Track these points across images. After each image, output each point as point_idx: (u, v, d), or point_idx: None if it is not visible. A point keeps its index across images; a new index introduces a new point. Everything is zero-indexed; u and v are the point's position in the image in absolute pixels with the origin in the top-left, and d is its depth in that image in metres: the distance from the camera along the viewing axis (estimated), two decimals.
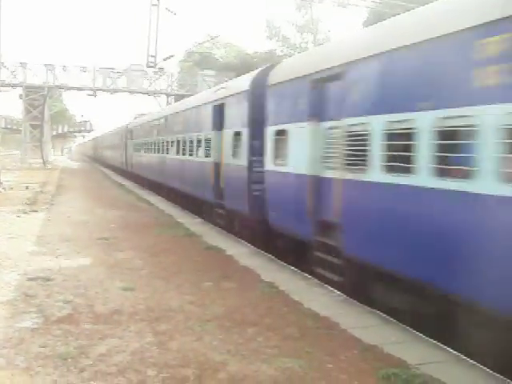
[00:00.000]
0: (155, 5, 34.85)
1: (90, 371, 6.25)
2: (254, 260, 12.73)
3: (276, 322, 8.13)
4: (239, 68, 52.98)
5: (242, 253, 13.60)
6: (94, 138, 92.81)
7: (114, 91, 59.90)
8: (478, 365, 6.88)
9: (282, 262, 12.51)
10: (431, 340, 7.73)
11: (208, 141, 18.65)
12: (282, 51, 67.99)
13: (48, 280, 10.13)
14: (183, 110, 23.96)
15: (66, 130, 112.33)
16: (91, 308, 8.60)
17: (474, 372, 6.71)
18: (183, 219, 19.90)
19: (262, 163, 13.73)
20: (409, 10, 10.03)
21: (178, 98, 52.87)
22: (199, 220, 19.92)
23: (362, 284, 9.67)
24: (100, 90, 58.90)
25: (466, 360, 7.05)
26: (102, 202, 24.22)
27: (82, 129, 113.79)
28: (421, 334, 7.94)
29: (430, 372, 6.51)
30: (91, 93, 58.71)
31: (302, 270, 11.63)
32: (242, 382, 6.11)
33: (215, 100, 18.16)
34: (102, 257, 12.46)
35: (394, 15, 10.10)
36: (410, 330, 8.14)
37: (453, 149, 7.30)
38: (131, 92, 60.34)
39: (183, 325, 7.92)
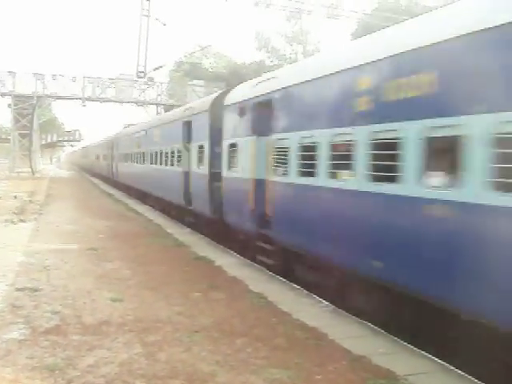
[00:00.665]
0: (145, 15, 34.94)
1: (78, 383, 6.21)
2: (242, 271, 12.73)
3: (265, 333, 8.13)
4: (229, 78, 53.15)
5: (230, 263, 13.61)
6: (82, 148, 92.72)
7: (104, 101, 59.83)
8: (466, 375, 6.92)
9: (270, 273, 12.52)
10: (419, 351, 7.77)
11: (179, 152, 21.34)
12: (271, 62, 68.27)
13: (36, 290, 10.06)
14: (159, 125, 26.97)
15: (54, 139, 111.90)
16: (79, 319, 8.55)
17: (461, 381, 6.76)
18: (172, 229, 19.88)
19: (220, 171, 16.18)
20: (397, 22, 10.43)
21: (168, 108, 52.87)
22: (188, 230, 19.90)
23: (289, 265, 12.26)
24: (89, 99, 58.79)
25: (454, 370, 7.10)
26: (91, 212, 24.15)
27: (71, 138, 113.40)
28: (409, 345, 7.98)
29: (418, 382, 6.58)
30: (81, 102, 58.63)
31: (251, 259, 14.03)
32: None
33: (184, 117, 21.07)
34: (90, 267, 12.40)
35: (383, 27, 10.42)
36: (399, 340, 8.18)
37: (339, 157, 9.59)
38: (120, 102, 60.29)
39: (172, 336, 7.90)
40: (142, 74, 37.63)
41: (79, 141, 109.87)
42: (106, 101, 60.04)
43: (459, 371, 7.03)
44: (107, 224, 20.29)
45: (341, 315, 9.37)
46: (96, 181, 54.95)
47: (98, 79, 59.27)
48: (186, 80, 64.02)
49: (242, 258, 14.44)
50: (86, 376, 6.39)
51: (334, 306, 9.78)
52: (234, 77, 49.62)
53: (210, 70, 68.64)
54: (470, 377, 6.87)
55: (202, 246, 16.07)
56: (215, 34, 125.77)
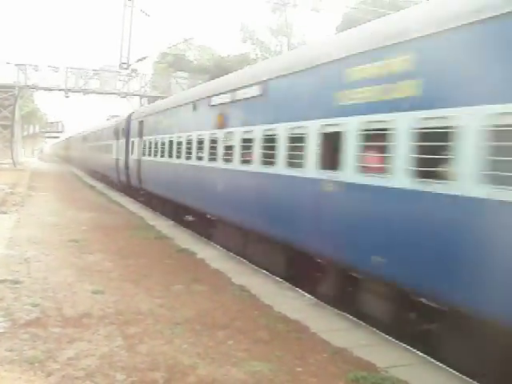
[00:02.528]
0: (129, 6, 34.67)
1: (58, 375, 6.16)
2: (225, 263, 12.73)
3: (246, 326, 8.14)
4: (213, 70, 52.94)
5: (213, 256, 13.60)
6: (65, 139, 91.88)
7: (87, 92, 59.29)
8: (445, 367, 6.98)
9: (254, 266, 12.52)
10: (400, 343, 7.83)
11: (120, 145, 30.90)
12: (256, 54, 68.12)
13: (16, 283, 9.95)
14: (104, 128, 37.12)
15: (37, 130, 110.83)
16: (60, 311, 8.48)
17: (440, 374, 6.82)
18: (155, 221, 19.81)
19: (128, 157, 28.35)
20: (379, 17, 10.43)
21: (152, 99, 52.56)
22: (171, 222, 19.85)
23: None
24: (72, 90, 58.23)
25: (433, 362, 7.16)
26: (73, 204, 23.96)
27: (54, 130, 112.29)
28: (390, 337, 8.03)
29: (398, 375, 6.60)
30: (63, 93, 58.05)
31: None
32: None
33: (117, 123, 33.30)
34: (71, 259, 12.32)
35: (368, 20, 10.37)
36: (380, 333, 8.24)
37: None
38: (104, 93, 59.80)
39: (153, 328, 7.88)
40: (126, 66, 37.33)
41: (61, 132, 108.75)
42: (89, 92, 59.45)
43: (438, 363, 7.09)
44: (89, 216, 20.15)
45: (323, 308, 9.41)
46: (79, 173, 54.54)
47: (81, 70, 58.71)
48: (169, 72, 63.61)
49: (225, 250, 14.43)
50: (66, 369, 6.34)
51: (316, 299, 9.81)
52: (218, 69, 49.43)
53: (195, 62, 68.32)
54: (448, 369, 6.93)
55: (184, 239, 16.04)
56: (200, 25, 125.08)
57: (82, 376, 6.16)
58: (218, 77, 18.06)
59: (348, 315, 9.04)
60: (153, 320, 8.23)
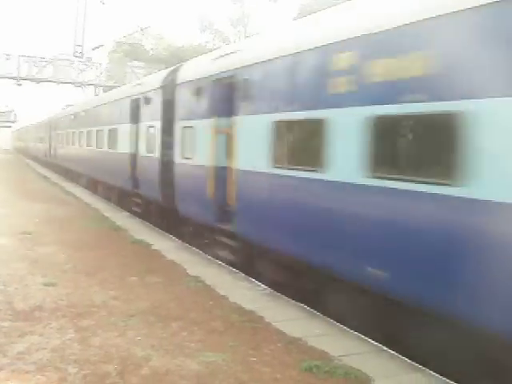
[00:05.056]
0: None
1: (7, 370, 6.03)
2: (180, 254, 12.68)
3: (201, 317, 8.13)
4: (169, 60, 52.45)
5: (168, 247, 13.53)
6: (18, 130, 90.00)
7: (40, 80, 58.01)
8: (398, 355, 7.09)
9: (208, 257, 12.51)
10: (354, 332, 7.92)
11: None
12: (214, 44, 67.72)
13: None
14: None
15: None
16: (10, 305, 8.32)
17: (394, 362, 6.92)
18: (110, 213, 19.59)
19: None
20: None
21: (107, 89, 51.79)
22: (126, 214, 19.65)
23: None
24: (25, 79, 56.88)
25: (387, 351, 7.27)
26: (26, 195, 23.47)
27: (5, 119, 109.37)
28: (344, 327, 8.13)
29: (352, 363, 6.67)
30: (15, 81, 56.65)
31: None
32: (165, 377, 6.07)
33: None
34: (23, 252, 12.08)
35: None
36: (335, 322, 8.32)
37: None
38: (58, 82, 58.61)
39: (106, 320, 7.80)
40: (80, 54, 36.65)
41: (14, 122, 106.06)
42: (43, 80, 58.20)
43: (391, 351, 7.21)
44: (43, 207, 19.79)
45: (278, 298, 9.45)
46: (32, 163, 53.48)
47: (35, 58, 57.39)
48: (125, 61, 62.74)
49: (180, 241, 14.38)
50: (17, 363, 6.22)
51: (271, 290, 9.85)
52: (175, 59, 49.01)
53: (151, 52, 67.58)
54: (401, 357, 7.05)
55: (139, 230, 15.92)
56: (156, 14, 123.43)
57: (33, 370, 6.06)
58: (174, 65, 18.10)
59: (303, 305, 9.11)
60: (106, 312, 8.15)
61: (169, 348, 6.87)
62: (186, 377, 6.07)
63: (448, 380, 6.34)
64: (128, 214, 19.59)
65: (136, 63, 60.34)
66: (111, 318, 7.88)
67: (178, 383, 5.94)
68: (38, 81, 58.05)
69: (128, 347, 6.83)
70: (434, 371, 6.57)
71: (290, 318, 8.40)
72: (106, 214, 19.17)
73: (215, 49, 57.38)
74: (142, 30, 60.63)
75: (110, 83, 56.22)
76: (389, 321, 7.62)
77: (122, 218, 18.42)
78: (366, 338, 7.71)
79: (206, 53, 16.46)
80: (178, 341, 7.15)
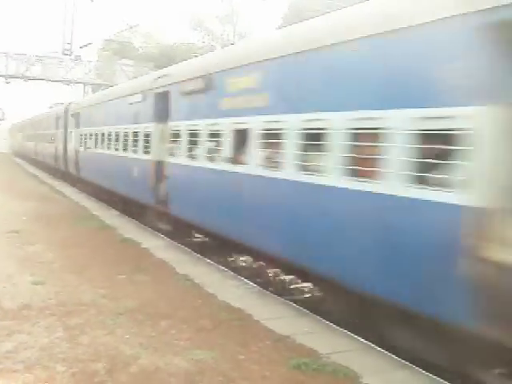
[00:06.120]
0: None
1: None
2: (169, 253, 12.68)
3: (190, 315, 8.14)
4: (158, 59, 52.34)
5: (157, 245, 13.53)
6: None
7: (28, 78, 57.66)
8: (386, 353, 7.14)
9: (197, 255, 12.52)
10: (342, 330, 7.97)
11: None
12: (203, 42, 67.60)
13: None
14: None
15: None
16: None
17: (382, 360, 6.97)
18: (98, 211, 19.54)
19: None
20: (326, 5, 10.52)
21: (95, 87, 51.61)
22: (115, 212, 19.60)
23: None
24: (13, 77, 56.54)
25: (374, 348, 7.32)
26: (14, 194, 23.29)
27: None
28: (332, 324, 8.17)
29: (340, 361, 6.72)
30: (4, 79, 56.27)
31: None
32: (154, 375, 6.08)
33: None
34: (11, 250, 12.03)
35: (314, 10, 10.38)
36: (323, 320, 8.36)
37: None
38: (46, 80, 58.27)
39: (95, 319, 7.79)
40: (69, 52, 36.47)
41: (2, 120, 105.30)
42: (31, 78, 57.87)
43: (379, 349, 7.25)
44: (31, 206, 19.68)
45: (266, 296, 9.49)
46: (20, 161, 53.14)
47: (23, 56, 57.03)
48: (114, 59, 62.51)
49: (169, 240, 14.37)
50: (4, 362, 6.21)
51: (259, 288, 9.89)
52: (164, 57, 48.93)
53: (140, 50, 67.37)
54: (389, 354, 7.10)
55: (128, 229, 15.88)
56: (146, 12, 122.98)
57: (21, 369, 6.05)
58: (163, 65, 18.24)
59: (292, 303, 9.15)
60: (95, 311, 8.15)
61: (157, 346, 6.88)
62: (175, 375, 6.10)
63: (435, 377, 6.40)
64: (117, 212, 19.54)
65: (125, 61, 60.10)
66: (100, 317, 7.88)
67: (167, 381, 5.96)
68: (27, 79, 57.71)
69: (117, 345, 6.83)
70: (422, 369, 6.63)
71: (279, 316, 8.44)
72: (95, 213, 19.11)
73: (205, 47, 57.31)
74: (131, 27, 60.40)
75: (99, 81, 56.01)
76: None
77: (110, 217, 18.37)
78: (355, 336, 7.77)
79: (196, 51, 16.78)
80: (167, 339, 7.16)
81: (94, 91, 46.72)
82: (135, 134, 17.33)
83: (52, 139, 35.69)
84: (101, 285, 9.54)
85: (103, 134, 22.07)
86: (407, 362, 6.86)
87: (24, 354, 6.44)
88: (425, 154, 6.38)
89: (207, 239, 14.29)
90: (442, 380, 6.35)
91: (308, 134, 8.58)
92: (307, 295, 9.89)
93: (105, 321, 7.71)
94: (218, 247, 13.01)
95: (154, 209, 15.74)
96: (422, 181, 6.41)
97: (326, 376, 6.31)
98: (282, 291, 10.48)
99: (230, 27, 69.33)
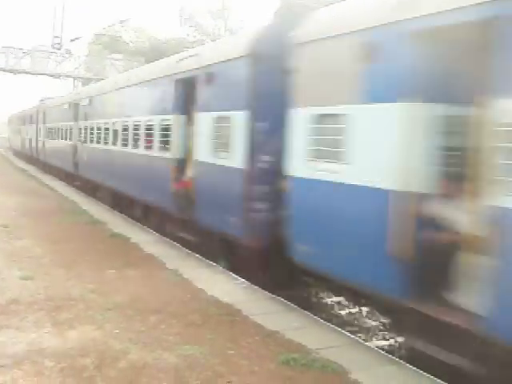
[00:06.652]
0: None
1: None
2: (159, 248, 12.66)
3: (179, 310, 8.14)
4: (149, 53, 52.16)
5: (147, 240, 13.50)
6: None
7: (17, 72, 57.25)
8: (374, 348, 7.19)
9: (187, 250, 12.50)
10: (331, 325, 8.00)
11: None
12: (194, 36, 67.36)
13: None
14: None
15: None
16: None
17: (370, 355, 7.00)
18: (87, 206, 19.47)
19: None
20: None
21: (86, 81, 51.34)
22: (104, 207, 19.54)
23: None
24: (2, 70, 56.13)
25: (363, 344, 7.36)
26: (2, 188, 23.21)
27: None
28: (321, 320, 8.20)
29: (329, 356, 6.74)
30: None
31: None
32: (143, 370, 6.07)
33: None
34: None
35: (304, 6, 10.21)
36: (311, 315, 8.39)
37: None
38: (36, 73, 57.88)
39: (84, 313, 7.78)
40: (58, 46, 36.27)
41: None
42: (20, 72, 57.47)
43: (368, 344, 7.30)
44: (20, 200, 19.58)
45: (255, 292, 9.49)
46: (6, 154, 52.79)
47: (12, 49, 56.62)
48: (105, 53, 62.23)
49: (158, 234, 14.34)
50: None
51: (248, 283, 9.89)
52: (155, 52, 48.75)
53: (131, 45, 67.07)
54: (377, 349, 7.14)
55: (117, 223, 15.85)
56: (136, 6, 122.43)
57: (9, 364, 6.02)
58: (154, 60, 18.01)
59: (281, 298, 9.16)
60: (84, 305, 8.12)
61: (147, 341, 6.87)
62: (164, 370, 6.09)
63: (422, 372, 6.43)
64: (107, 207, 19.48)
65: (115, 56, 59.84)
66: (89, 312, 7.86)
67: (156, 376, 5.95)
68: (16, 72, 57.30)
69: (106, 340, 6.82)
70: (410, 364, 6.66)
71: (268, 312, 8.45)
72: (84, 207, 19.05)
73: (196, 42, 57.21)
74: (121, 22, 60.17)
75: (89, 75, 55.73)
76: None
77: (100, 211, 18.31)
78: (343, 331, 7.81)
79: (187, 46, 16.58)
80: (156, 334, 7.16)
81: (83, 85, 46.44)
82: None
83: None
84: (90, 280, 9.51)
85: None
86: (394, 357, 6.91)
87: (12, 349, 6.41)
88: None
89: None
90: (427, 374, 6.38)
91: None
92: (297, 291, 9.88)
93: (94, 316, 7.69)
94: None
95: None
96: None
97: (314, 371, 6.31)
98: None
99: (222, 22, 69.16)
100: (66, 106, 27.22)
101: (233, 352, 6.72)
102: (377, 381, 6.18)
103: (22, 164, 42.29)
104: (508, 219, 5.23)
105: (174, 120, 13.13)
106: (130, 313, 7.91)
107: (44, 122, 34.79)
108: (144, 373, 6.02)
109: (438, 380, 6.22)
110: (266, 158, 9.83)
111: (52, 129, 31.48)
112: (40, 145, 36.06)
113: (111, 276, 9.88)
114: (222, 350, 6.72)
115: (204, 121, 11.54)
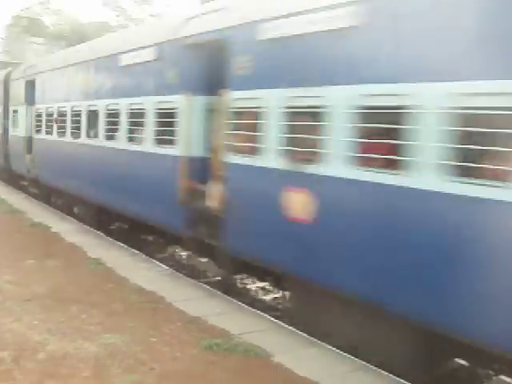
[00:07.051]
0: None
1: None
2: (81, 237, 12.45)
3: (101, 299, 8.06)
4: (70, 37, 50.77)
5: (68, 229, 13.25)
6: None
7: None
8: (297, 331, 7.31)
9: (110, 239, 12.35)
10: (254, 310, 8.10)
11: None
12: (117, 21, 65.96)
13: None
14: None
15: None
16: None
17: (292, 338, 7.15)
18: (6, 195, 18.86)
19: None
20: None
21: (3, 65, 49.50)
22: (24, 196, 18.98)
23: None
24: None
25: (285, 327, 7.48)
26: None
27: None
28: (244, 305, 8.29)
29: (251, 340, 6.83)
30: None
31: None
32: (63, 361, 5.98)
33: None
34: None
35: None
36: (235, 301, 8.46)
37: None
38: None
39: (1, 306, 7.56)
40: None
41: None
42: None
43: (290, 328, 7.42)
44: None
45: (178, 278, 9.51)
46: None
47: None
48: (24, 37, 60.08)
49: (80, 223, 14.08)
50: None
51: (171, 270, 9.88)
52: (77, 35, 47.49)
53: (52, 28, 65.01)
54: (300, 332, 7.27)
55: (38, 213, 15.44)
56: None
57: None
58: (76, 44, 17.31)
59: (203, 285, 9.20)
60: (1, 297, 7.90)
61: (67, 331, 6.78)
62: (84, 359, 6.02)
63: (343, 352, 6.62)
64: (26, 195, 18.92)
65: (36, 39, 57.92)
66: (6, 303, 7.66)
67: (76, 366, 5.88)
68: None
69: (24, 332, 6.67)
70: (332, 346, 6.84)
71: (191, 298, 8.49)
72: (3, 196, 18.44)
73: (119, 26, 56.01)
74: (41, 3, 58.18)
75: (7, 59, 53.71)
76: None
77: (19, 200, 17.77)
78: (265, 315, 7.92)
79: (109, 30, 16.03)
80: (77, 324, 7.06)
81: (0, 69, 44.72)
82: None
83: None
84: (7, 270, 9.27)
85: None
86: (316, 339, 7.07)
87: None
88: None
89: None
90: (348, 355, 6.58)
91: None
92: (218, 278, 9.93)
93: (11, 307, 7.50)
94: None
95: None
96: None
97: (237, 356, 6.39)
98: (193, 273, 10.50)
99: (147, 7, 67.95)
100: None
101: (155, 339, 6.72)
102: (299, 363, 6.30)
103: None
104: (230, 169, 8.35)
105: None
106: (49, 303, 7.77)
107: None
108: (64, 363, 5.93)
109: (356, 359, 6.44)
110: None
111: None
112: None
113: (30, 267, 9.66)
114: (143, 338, 6.71)
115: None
